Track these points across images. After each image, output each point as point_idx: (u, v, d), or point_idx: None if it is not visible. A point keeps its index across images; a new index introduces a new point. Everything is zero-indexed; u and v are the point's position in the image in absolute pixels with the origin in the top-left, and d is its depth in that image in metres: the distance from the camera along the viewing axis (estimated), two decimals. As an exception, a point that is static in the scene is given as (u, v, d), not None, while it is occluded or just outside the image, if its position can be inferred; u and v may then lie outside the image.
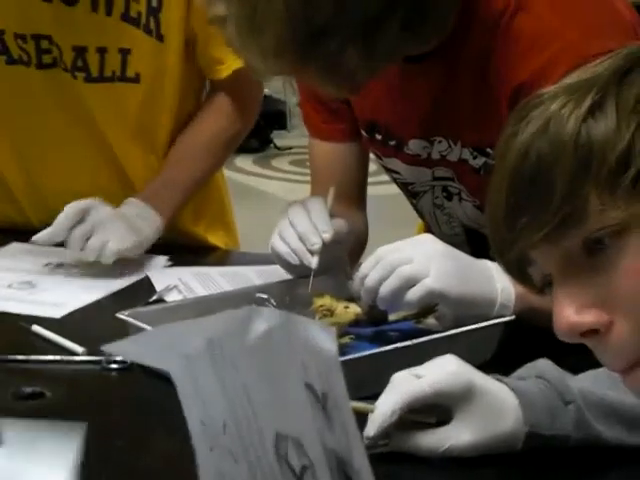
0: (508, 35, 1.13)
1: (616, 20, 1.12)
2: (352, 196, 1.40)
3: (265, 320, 0.63)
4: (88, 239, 1.36)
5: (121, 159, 1.55)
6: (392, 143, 1.28)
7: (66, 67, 1.47)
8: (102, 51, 1.46)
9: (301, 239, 1.19)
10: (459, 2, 1.12)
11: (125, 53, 1.46)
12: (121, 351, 0.65)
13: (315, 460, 0.63)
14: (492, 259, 1.27)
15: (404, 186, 1.33)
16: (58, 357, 1.12)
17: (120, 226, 1.39)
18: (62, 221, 1.36)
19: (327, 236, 1.18)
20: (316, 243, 1.18)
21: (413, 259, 1.08)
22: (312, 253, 1.18)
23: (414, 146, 1.25)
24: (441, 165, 1.25)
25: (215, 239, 1.66)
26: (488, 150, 1.19)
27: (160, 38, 1.45)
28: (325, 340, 0.63)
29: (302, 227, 1.19)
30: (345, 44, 1.03)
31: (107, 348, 0.63)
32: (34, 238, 1.38)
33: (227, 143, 1.58)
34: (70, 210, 1.37)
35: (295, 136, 5.15)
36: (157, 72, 1.48)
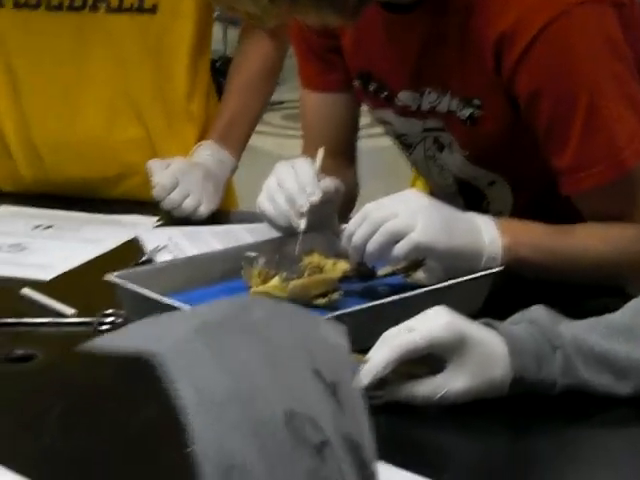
0: None
1: None
2: (343, 150, 1.40)
3: (263, 308, 0.63)
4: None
5: (137, 97, 1.56)
6: (384, 94, 1.28)
7: (85, 1, 1.50)
8: None
9: (289, 201, 1.19)
10: None
11: None
12: (108, 343, 0.65)
13: (332, 439, 0.63)
14: (485, 211, 1.28)
15: (397, 138, 1.33)
16: (49, 319, 1.13)
17: (208, 186, 1.48)
18: (161, 188, 1.45)
19: (314, 199, 1.19)
20: (303, 205, 1.19)
21: (398, 214, 1.08)
22: (300, 215, 1.19)
23: (404, 97, 1.25)
24: (431, 116, 1.25)
25: None
26: (475, 101, 1.19)
27: None
28: (335, 335, 0.64)
29: (290, 189, 1.20)
30: None
31: (94, 342, 0.63)
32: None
33: (273, 69, 1.63)
34: (166, 177, 1.45)
35: (287, 90, 5.10)
36: (174, 2, 1.52)
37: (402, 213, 1.08)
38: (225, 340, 0.63)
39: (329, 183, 1.24)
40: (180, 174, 1.47)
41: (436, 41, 1.19)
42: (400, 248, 1.08)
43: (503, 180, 1.28)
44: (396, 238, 1.08)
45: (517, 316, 0.97)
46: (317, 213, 1.20)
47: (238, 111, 1.60)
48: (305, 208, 1.19)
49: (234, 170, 1.60)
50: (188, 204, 1.45)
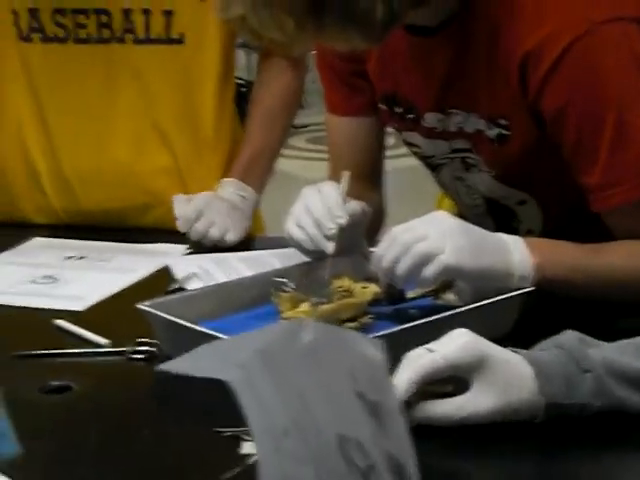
0: (513, 6, 1.13)
1: None
2: (368, 173, 1.41)
3: (311, 332, 0.64)
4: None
5: (164, 126, 1.58)
6: (410, 116, 1.29)
7: (113, 33, 1.53)
8: (147, 12, 1.52)
9: (316, 225, 1.20)
10: None
11: (168, 14, 1.52)
12: (177, 367, 0.66)
13: (377, 462, 0.64)
14: (515, 230, 1.28)
15: (424, 159, 1.34)
16: (83, 350, 1.14)
17: (234, 215, 1.50)
18: (185, 221, 1.47)
19: (342, 221, 1.20)
20: (332, 229, 1.19)
21: (427, 236, 1.09)
22: (328, 239, 1.19)
23: (430, 119, 1.26)
24: (458, 137, 1.26)
25: None
26: (501, 121, 1.20)
27: None
28: (374, 351, 0.65)
29: (317, 213, 1.21)
30: None
31: (163, 367, 0.65)
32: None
33: (294, 98, 1.65)
34: (189, 209, 1.47)
35: (312, 113, 5.14)
36: (200, 32, 1.55)
37: (431, 235, 1.09)
38: (283, 366, 0.64)
39: (356, 206, 1.25)
40: (203, 205, 1.48)
41: (461, 63, 1.20)
42: (429, 270, 1.08)
43: (533, 199, 1.28)
44: (425, 260, 1.08)
45: (544, 343, 0.96)
46: (345, 236, 1.21)
47: (259, 147, 1.61)
48: (333, 231, 1.19)
49: (257, 204, 1.61)
50: (214, 233, 1.46)
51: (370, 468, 0.63)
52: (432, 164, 1.33)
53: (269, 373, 0.63)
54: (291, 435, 0.62)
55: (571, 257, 1.15)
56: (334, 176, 1.34)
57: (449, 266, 1.08)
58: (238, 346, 0.65)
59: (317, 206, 1.21)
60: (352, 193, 1.26)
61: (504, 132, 1.20)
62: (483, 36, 1.17)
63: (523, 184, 1.27)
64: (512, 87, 1.17)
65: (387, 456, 0.63)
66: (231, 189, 1.56)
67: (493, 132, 1.21)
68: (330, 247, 1.19)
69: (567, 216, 1.28)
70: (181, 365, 0.67)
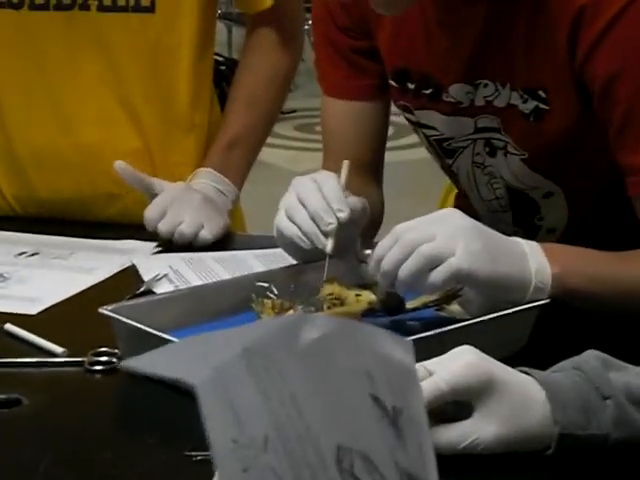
0: None
1: None
2: (369, 166, 1.41)
3: (318, 327, 0.63)
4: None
5: (134, 104, 1.57)
6: (428, 91, 1.28)
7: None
8: None
9: (313, 219, 1.18)
10: None
11: None
12: (140, 365, 0.65)
13: (388, 477, 0.63)
14: (536, 228, 1.28)
15: (438, 144, 1.33)
16: (35, 359, 1.13)
17: (208, 209, 1.48)
18: (150, 221, 1.46)
19: (343, 215, 1.17)
20: (331, 223, 1.17)
21: (436, 236, 1.08)
22: (326, 235, 1.17)
23: (455, 92, 1.25)
24: (486, 112, 1.25)
25: None
26: (540, 93, 1.20)
27: None
28: (400, 352, 0.64)
29: (314, 206, 1.18)
30: None
31: (125, 364, 0.64)
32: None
33: (284, 80, 1.64)
34: (153, 209, 1.46)
35: (299, 97, 5.14)
36: (173, 1, 1.54)
37: (440, 235, 1.08)
38: (273, 366, 0.63)
39: (356, 201, 1.23)
40: (170, 200, 1.46)
41: (499, 26, 1.19)
42: (437, 275, 1.07)
43: (560, 191, 1.29)
44: (433, 264, 1.07)
45: (563, 364, 0.96)
46: (341, 236, 1.19)
47: (239, 133, 1.60)
48: (332, 227, 1.17)
49: (235, 200, 1.60)
50: (184, 230, 1.44)
51: None
52: (448, 149, 1.32)
53: (251, 374, 0.62)
54: (271, 447, 0.61)
55: (592, 266, 1.15)
56: (329, 167, 1.34)
57: (461, 271, 1.07)
58: (220, 343, 0.64)
59: (313, 198, 1.18)
60: (350, 187, 1.25)
61: (542, 106, 1.20)
62: None
63: (554, 171, 1.27)
64: (558, 51, 1.16)
65: (402, 470, 0.63)
66: (206, 180, 1.56)
67: (529, 106, 1.21)
68: (329, 245, 1.17)
69: (591, 215, 1.29)
70: (148, 363, 0.66)
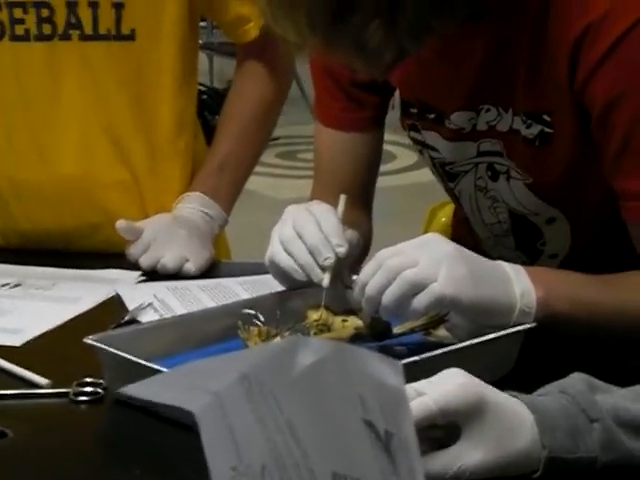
0: None
1: None
2: (360, 194, 1.41)
3: (312, 352, 0.63)
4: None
5: (118, 133, 1.57)
6: (431, 116, 1.29)
7: (55, 29, 1.52)
8: (94, 5, 1.52)
9: (311, 253, 1.18)
10: None
11: (119, 7, 1.52)
12: (140, 392, 0.65)
13: None
14: (539, 252, 1.28)
15: (441, 166, 1.33)
16: (19, 391, 1.13)
17: (193, 241, 1.48)
18: (134, 254, 1.46)
19: (342, 250, 1.18)
20: (329, 258, 1.17)
21: (419, 262, 1.08)
22: (323, 269, 1.17)
23: (457, 119, 1.25)
24: (489, 137, 1.25)
25: None
26: (544, 117, 1.19)
27: None
28: (390, 375, 0.64)
29: (312, 239, 1.18)
30: (368, 19, 1.05)
31: (125, 391, 0.64)
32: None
33: (273, 109, 1.65)
34: (136, 247, 1.46)
35: (282, 124, 5.15)
36: (153, 28, 1.55)
37: (423, 261, 1.08)
38: (270, 393, 0.63)
39: (353, 235, 1.24)
40: (153, 237, 1.47)
41: (500, 55, 1.19)
42: (420, 301, 1.08)
43: (563, 217, 1.28)
44: (416, 289, 1.08)
45: (549, 387, 0.96)
46: (335, 269, 1.19)
47: (230, 157, 1.60)
48: (330, 262, 1.17)
49: (223, 225, 1.60)
50: (167, 264, 1.44)
51: None
52: (451, 172, 1.32)
53: (249, 401, 0.62)
54: (268, 475, 0.61)
55: (580, 291, 1.15)
56: (318, 195, 1.34)
57: (443, 296, 1.08)
58: (218, 370, 0.64)
59: (311, 231, 1.18)
60: (345, 217, 1.25)
61: (547, 130, 1.19)
62: (529, 22, 1.16)
63: (558, 196, 1.26)
64: (559, 75, 1.16)
65: None
66: (194, 205, 1.56)
67: (533, 131, 1.20)
68: (326, 279, 1.17)
69: (594, 241, 1.29)
70: (145, 390, 0.66)
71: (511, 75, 1.20)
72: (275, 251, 1.21)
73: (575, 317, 1.14)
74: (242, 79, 1.64)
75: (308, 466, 0.63)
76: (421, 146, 1.33)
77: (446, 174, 1.33)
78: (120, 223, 1.47)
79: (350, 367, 0.63)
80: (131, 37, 1.54)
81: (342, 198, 1.24)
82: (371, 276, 1.10)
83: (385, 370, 0.63)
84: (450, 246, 1.11)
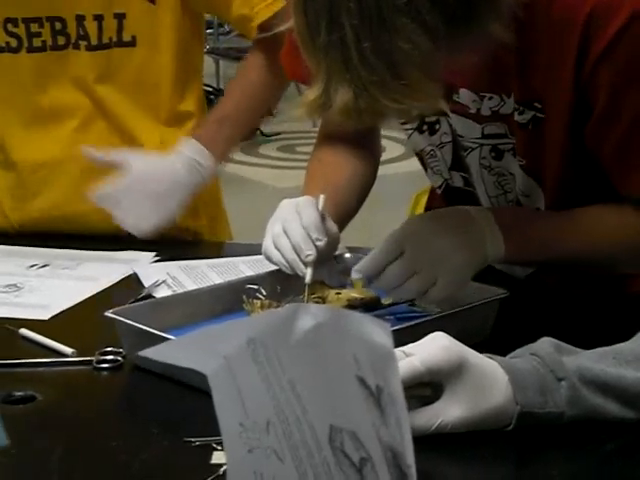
0: None
1: None
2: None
3: (312, 316, 0.64)
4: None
5: (126, 125, 1.56)
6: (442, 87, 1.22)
7: (69, 40, 1.52)
8: (99, 18, 1.51)
9: (295, 249, 1.17)
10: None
11: (121, 17, 1.51)
12: (157, 354, 0.66)
13: (373, 453, 0.63)
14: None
15: (454, 137, 1.26)
16: (48, 360, 1.13)
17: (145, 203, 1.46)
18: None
19: (321, 244, 1.16)
20: (310, 255, 1.16)
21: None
22: (306, 265, 1.16)
23: (464, 96, 1.19)
24: (492, 120, 1.19)
25: (208, 232, 1.66)
26: (535, 104, 1.14)
27: (152, 0, 1.51)
28: (380, 335, 0.64)
29: (295, 236, 1.17)
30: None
31: (143, 354, 0.64)
32: None
33: (272, 90, 1.61)
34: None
35: (282, 121, 5.15)
36: (152, 34, 1.53)
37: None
38: (274, 355, 0.63)
39: (333, 225, 1.21)
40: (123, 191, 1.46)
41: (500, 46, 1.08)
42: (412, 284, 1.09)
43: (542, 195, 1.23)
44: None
45: (520, 350, 0.97)
46: (318, 258, 1.17)
47: (230, 114, 1.57)
48: (311, 258, 1.15)
49: (210, 177, 1.54)
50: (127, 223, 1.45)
51: (364, 461, 0.62)
52: (462, 144, 1.26)
53: (255, 362, 0.63)
54: (272, 430, 0.62)
55: (540, 236, 1.16)
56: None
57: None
58: (227, 334, 0.64)
59: (295, 228, 1.17)
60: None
61: (539, 115, 1.13)
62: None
63: (545, 179, 1.21)
64: (564, 63, 1.08)
65: (385, 446, 0.63)
66: (186, 151, 1.51)
67: (526, 116, 1.14)
68: (308, 275, 1.15)
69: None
70: (161, 353, 0.66)
71: (506, 63, 1.12)
72: (267, 246, 1.20)
73: (541, 259, 1.17)
74: (249, 62, 1.61)
75: (308, 420, 0.63)
76: (438, 115, 1.25)
77: (458, 144, 1.27)
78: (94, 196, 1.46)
79: (345, 329, 0.63)
80: (132, 43, 1.53)
81: (321, 198, 1.21)
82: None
83: (376, 331, 0.64)
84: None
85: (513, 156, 1.22)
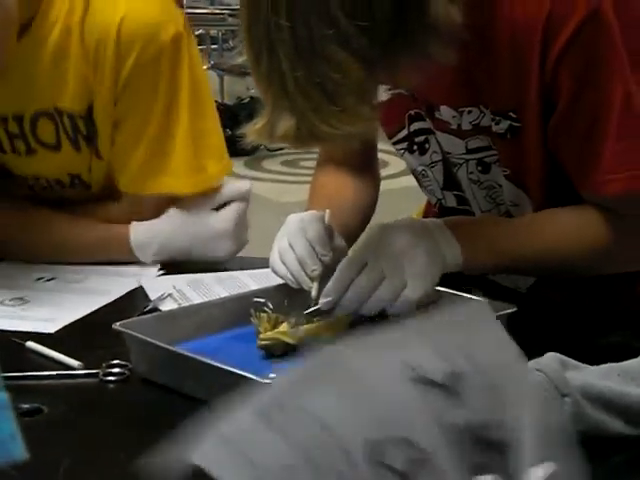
0: None
1: None
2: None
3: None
4: None
5: None
6: (424, 107, 1.22)
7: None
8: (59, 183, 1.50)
9: (300, 264, 1.17)
10: None
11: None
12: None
13: (433, 447, 0.60)
14: None
15: (443, 154, 1.27)
16: (54, 372, 1.13)
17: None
18: None
19: (326, 259, 1.16)
20: (315, 270, 1.15)
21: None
22: (312, 280, 1.16)
23: (445, 113, 1.19)
24: (474, 134, 1.19)
25: None
26: (510, 114, 1.14)
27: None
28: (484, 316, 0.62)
29: (300, 251, 1.17)
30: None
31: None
32: None
33: None
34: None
35: (285, 136, 5.14)
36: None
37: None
38: (291, 403, 0.61)
39: (340, 240, 1.21)
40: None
41: (481, 59, 1.12)
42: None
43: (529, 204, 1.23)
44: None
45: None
46: (324, 273, 1.17)
47: None
48: (317, 272, 1.15)
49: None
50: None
51: (418, 463, 0.60)
52: (450, 160, 1.26)
53: (269, 427, 0.61)
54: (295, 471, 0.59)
55: (497, 242, 1.17)
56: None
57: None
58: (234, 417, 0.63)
59: (300, 243, 1.17)
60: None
61: (515, 124, 1.14)
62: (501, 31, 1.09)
63: (529, 187, 1.21)
64: (530, 68, 1.09)
65: (451, 431, 0.60)
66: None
67: (503, 126, 1.15)
68: (313, 290, 1.15)
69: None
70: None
71: (476, 76, 1.14)
72: (273, 260, 1.20)
73: (499, 265, 1.18)
74: None
75: (342, 445, 0.60)
76: (427, 134, 1.26)
77: (447, 161, 1.27)
78: None
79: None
80: (88, 187, 1.51)
81: (327, 212, 1.20)
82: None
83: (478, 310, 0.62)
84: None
85: (499, 167, 1.22)
